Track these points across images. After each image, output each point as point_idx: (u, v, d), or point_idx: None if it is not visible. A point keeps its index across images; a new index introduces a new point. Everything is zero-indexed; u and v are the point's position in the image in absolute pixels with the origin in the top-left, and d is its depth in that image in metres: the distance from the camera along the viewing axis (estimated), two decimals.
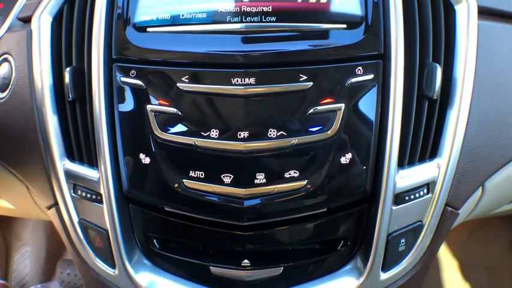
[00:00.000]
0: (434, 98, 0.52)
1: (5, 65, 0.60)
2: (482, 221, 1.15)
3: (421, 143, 0.53)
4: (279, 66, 0.49)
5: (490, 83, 0.55)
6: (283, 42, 0.50)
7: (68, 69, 0.54)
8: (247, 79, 0.48)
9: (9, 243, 1.26)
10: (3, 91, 0.60)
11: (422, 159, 0.53)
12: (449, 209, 0.56)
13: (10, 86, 0.59)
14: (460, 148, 0.53)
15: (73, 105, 0.55)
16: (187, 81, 0.49)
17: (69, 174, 0.56)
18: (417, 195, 0.53)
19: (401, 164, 0.52)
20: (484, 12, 0.56)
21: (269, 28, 0.50)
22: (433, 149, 0.54)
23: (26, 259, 1.23)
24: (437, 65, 0.51)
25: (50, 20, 0.57)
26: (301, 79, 0.49)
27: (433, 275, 1.23)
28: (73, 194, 0.56)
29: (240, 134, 0.48)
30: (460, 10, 0.54)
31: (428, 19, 0.53)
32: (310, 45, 0.50)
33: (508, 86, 0.57)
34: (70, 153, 0.56)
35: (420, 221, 0.55)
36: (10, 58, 0.60)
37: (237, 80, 0.48)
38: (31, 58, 0.57)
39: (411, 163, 0.53)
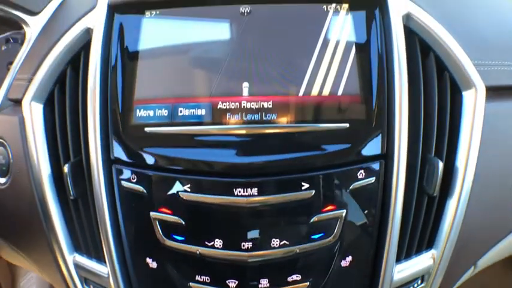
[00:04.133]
0: (434, 195, 0.52)
1: (1, 149, 0.59)
2: None
3: (419, 236, 0.54)
4: (280, 174, 0.49)
5: (493, 167, 0.55)
6: (283, 153, 0.49)
7: (66, 165, 0.53)
8: (249, 189, 0.48)
9: (15, 269, 1.28)
10: (3, 176, 0.59)
11: (418, 251, 0.55)
12: None
13: (9, 172, 0.58)
14: (456, 238, 0.54)
15: (76, 202, 0.55)
16: (189, 190, 0.49)
17: (79, 267, 0.56)
18: (412, 287, 0.54)
19: (398, 258, 0.53)
20: (492, 89, 0.54)
21: (269, 131, 0.50)
22: (430, 240, 0.55)
23: (32, 285, 1.26)
24: (439, 161, 0.51)
25: (40, 107, 0.56)
26: (303, 187, 0.49)
27: None
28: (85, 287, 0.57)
29: (243, 244, 0.49)
30: (468, 96, 0.53)
31: (434, 112, 0.52)
32: (311, 152, 0.49)
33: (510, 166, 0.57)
34: (78, 247, 0.57)
35: None
36: (5, 143, 0.59)
37: (239, 191, 0.48)
38: (27, 147, 0.56)
39: (408, 256, 0.54)
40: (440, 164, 0.51)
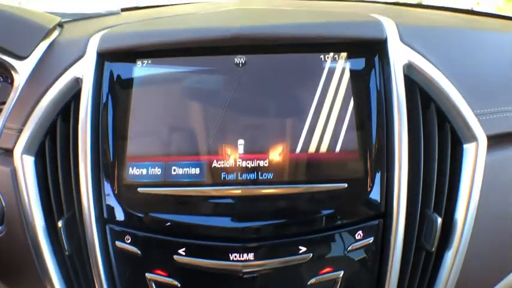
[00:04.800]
0: (432, 251, 0.51)
1: None
2: None
3: None
4: (277, 237, 0.48)
5: (492, 215, 0.53)
6: (280, 216, 0.48)
7: (60, 221, 0.52)
8: (245, 255, 0.48)
9: None
10: None
11: None
12: None
13: (4, 221, 0.58)
14: (453, 286, 0.53)
15: (71, 257, 0.54)
16: (184, 253, 0.48)
17: None
18: None
19: None
20: (493, 137, 0.53)
21: (266, 191, 0.49)
22: None
23: None
24: (438, 218, 0.50)
25: (32, 159, 0.55)
26: (300, 251, 0.48)
27: None
28: None
29: None
30: (469, 149, 0.51)
31: (433, 166, 0.51)
32: (309, 214, 0.49)
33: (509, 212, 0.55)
34: None
35: None
36: None
37: (235, 256, 0.48)
38: (20, 198, 0.54)
39: None
40: (439, 220, 0.50)
